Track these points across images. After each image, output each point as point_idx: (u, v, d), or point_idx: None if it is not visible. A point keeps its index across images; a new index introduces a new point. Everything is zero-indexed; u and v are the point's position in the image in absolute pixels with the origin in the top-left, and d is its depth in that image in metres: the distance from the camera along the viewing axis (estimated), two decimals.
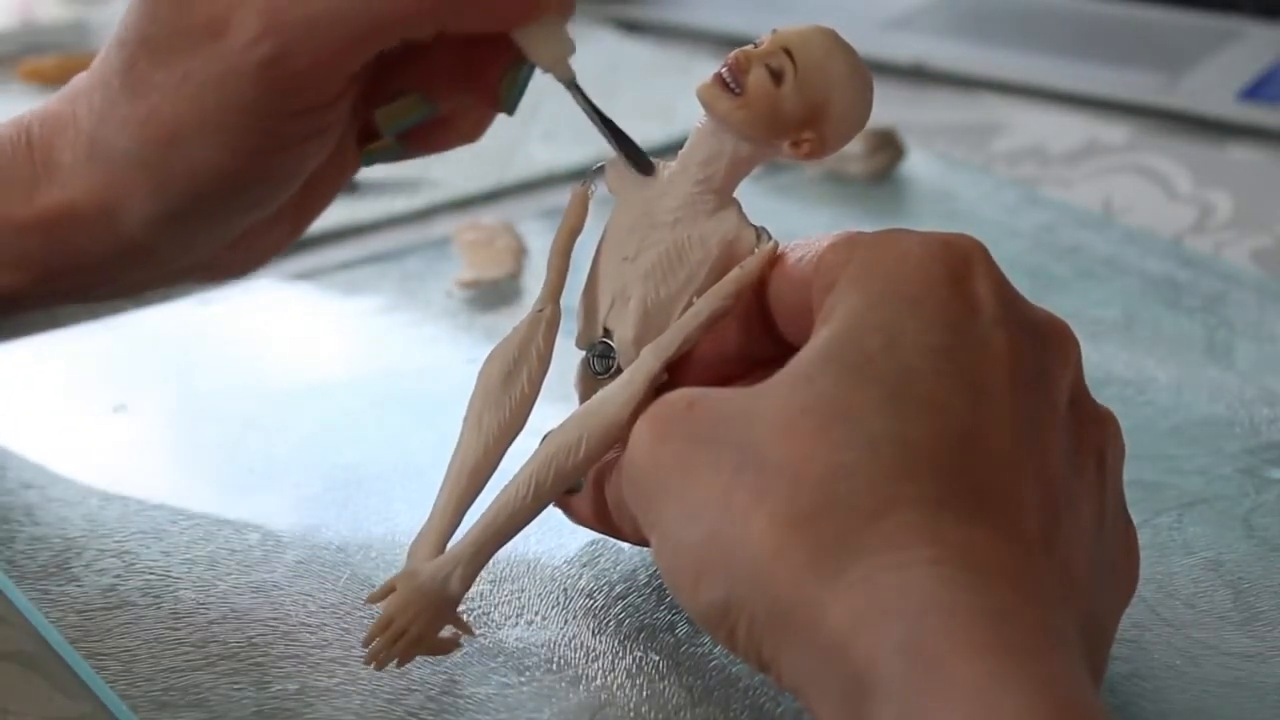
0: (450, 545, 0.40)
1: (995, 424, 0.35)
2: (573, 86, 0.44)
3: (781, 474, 0.34)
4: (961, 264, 0.37)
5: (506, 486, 0.40)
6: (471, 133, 0.49)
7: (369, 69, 0.45)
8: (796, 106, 0.40)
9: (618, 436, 0.40)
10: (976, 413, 0.35)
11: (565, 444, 0.40)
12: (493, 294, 0.60)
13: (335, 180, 0.49)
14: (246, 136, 0.43)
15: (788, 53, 0.40)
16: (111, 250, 0.46)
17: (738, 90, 0.40)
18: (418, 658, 0.40)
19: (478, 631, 0.42)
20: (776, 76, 0.40)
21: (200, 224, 0.46)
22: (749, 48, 0.40)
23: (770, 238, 0.41)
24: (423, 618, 0.39)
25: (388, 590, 0.39)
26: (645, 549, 0.44)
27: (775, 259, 0.41)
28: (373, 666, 0.39)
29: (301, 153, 0.45)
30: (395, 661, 0.39)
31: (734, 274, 0.41)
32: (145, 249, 0.46)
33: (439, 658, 0.40)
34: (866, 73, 0.41)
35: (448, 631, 0.40)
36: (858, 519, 0.33)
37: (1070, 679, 0.31)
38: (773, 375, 0.36)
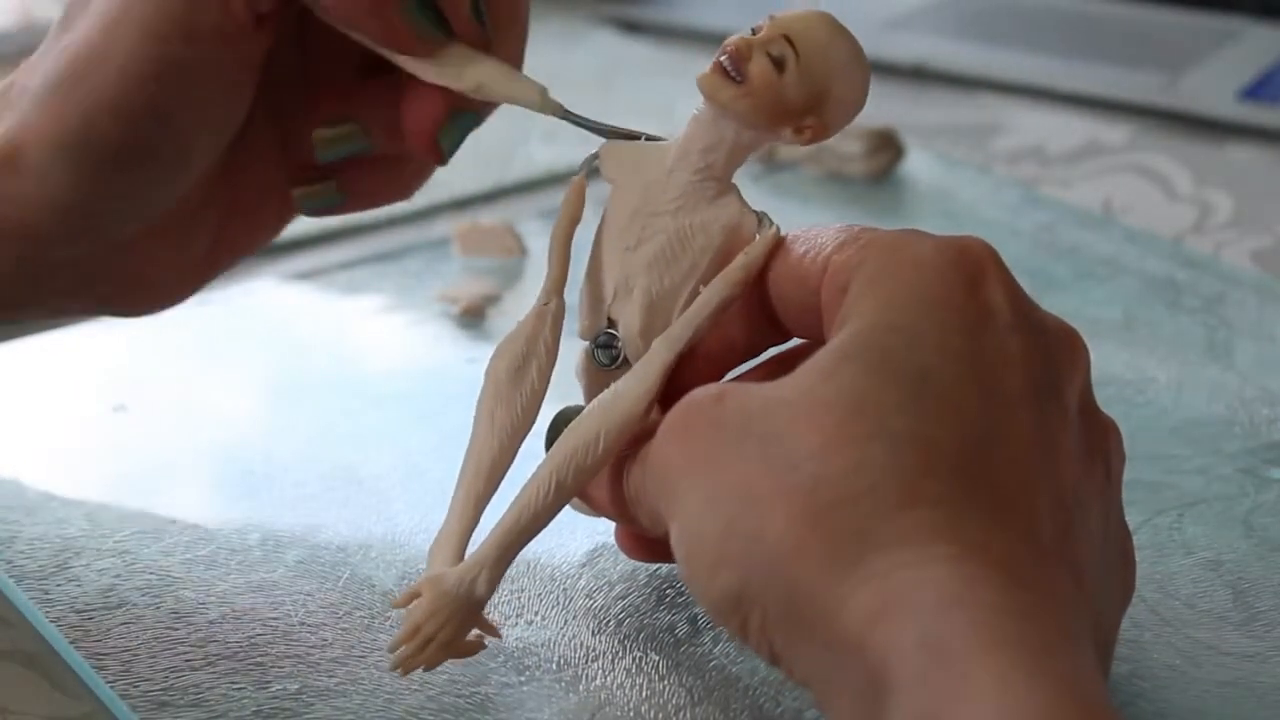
0: (471, 544, 0.40)
1: (1011, 429, 0.35)
2: (568, 116, 0.43)
3: (803, 467, 0.34)
4: (977, 269, 0.37)
5: (526, 486, 0.40)
6: (409, 185, 0.47)
7: (288, 67, 0.44)
8: (800, 94, 0.40)
9: (635, 430, 0.40)
10: (993, 417, 0.35)
11: (584, 441, 0.40)
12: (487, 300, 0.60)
13: (260, 214, 0.46)
14: (145, 63, 0.41)
15: (788, 39, 0.40)
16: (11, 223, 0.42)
17: (739, 79, 0.40)
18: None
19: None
20: (778, 64, 0.40)
21: (100, 182, 0.41)
22: (747, 34, 0.40)
23: (772, 223, 0.41)
24: (451, 623, 0.38)
25: (413, 595, 0.39)
26: None
27: (778, 245, 0.41)
28: (399, 672, 0.38)
29: (204, 100, 0.42)
30: (423, 667, 0.39)
31: (740, 261, 0.40)
32: (43, 225, 0.42)
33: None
34: (864, 55, 0.40)
35: (473, 634, 0.40)
36: (878, 514, 0.33)
37: (1090, 679, 0.31)
38: (792, 370, 0.36)
